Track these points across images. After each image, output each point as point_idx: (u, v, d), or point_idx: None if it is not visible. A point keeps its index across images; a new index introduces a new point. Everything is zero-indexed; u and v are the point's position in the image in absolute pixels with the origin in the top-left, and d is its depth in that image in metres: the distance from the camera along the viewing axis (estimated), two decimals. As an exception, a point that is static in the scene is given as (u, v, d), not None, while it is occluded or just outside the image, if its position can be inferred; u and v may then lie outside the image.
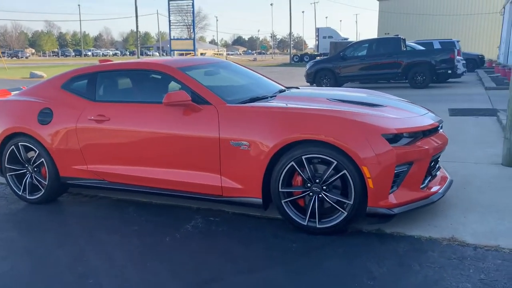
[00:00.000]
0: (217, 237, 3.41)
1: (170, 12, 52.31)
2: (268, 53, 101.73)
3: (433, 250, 3.04)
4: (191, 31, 61.08)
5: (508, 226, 3.34)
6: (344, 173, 3.19)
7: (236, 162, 3.47)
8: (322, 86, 15.58)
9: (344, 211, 3.25)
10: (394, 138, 3.21)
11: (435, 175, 3.73)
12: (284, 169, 3.33)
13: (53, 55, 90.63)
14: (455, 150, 5.70)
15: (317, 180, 3.30)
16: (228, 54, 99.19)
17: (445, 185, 3.63)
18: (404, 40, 15.66)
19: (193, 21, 52.54)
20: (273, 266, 2.92)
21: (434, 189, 3.51)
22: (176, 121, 3.65)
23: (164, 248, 3.26)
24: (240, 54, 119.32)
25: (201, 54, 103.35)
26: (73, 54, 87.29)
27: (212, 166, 3.57)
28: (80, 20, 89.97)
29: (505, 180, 4.40)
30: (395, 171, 3.19)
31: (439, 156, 3.75)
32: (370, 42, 15.84)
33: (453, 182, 4.33)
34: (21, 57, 75.19)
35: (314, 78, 15.85)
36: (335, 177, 3.24)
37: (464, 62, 17.41)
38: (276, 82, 4.88)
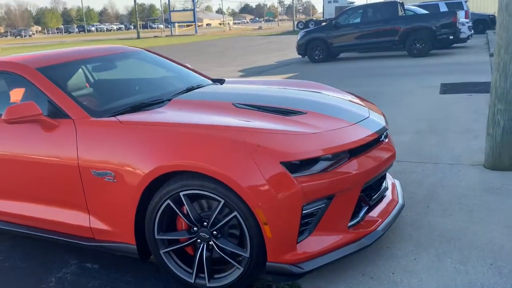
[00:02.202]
0: (79, 299, 2.57)
1: (171, -17, 50.75)
2: (275, 20, 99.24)
3: (355, 325, 2.15)
4: (195, 1, 59.45)
5: (470, 277, 2.42)
6: (236, 216, 2.29)
7: (102, 198, 2.59)
8: (314, 58, 14.44)
9: (240, 267, 2.36)
10: (301, 164, 2.27)
11: (379, 201, 2.79)
12: (159, 209, 2.43)
13: (57, 32, 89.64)
14: (431, 143, 4.72)
15: (205, 223, 2.40)
16: (234, 23, 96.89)
17: (388, 217, 2.68)
18: (402, 4, 14.32)
19: (193, -10, 50.96)
20: None
21: (372, 225, 2.57)
22: (29, 141, 2.76)
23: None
24: (247, 22, 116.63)
25: (207, 24, 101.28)
26: (77, 30, 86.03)
27: (76, 201, 2.69)
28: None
29: (481, 193, 3.43)
30: (305, 212, 2.27)
31: (383, 176, 2.81)
32: (365, 7, 14.57)
33: (415, 198, 3.44)
34: (24, 36, 74.42)
35: (306, 50, 14.68)
36: (226, 221, 2.34)
37: (470, 25, 16.02)
38: (199, 73, 3.92)
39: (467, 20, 16.28)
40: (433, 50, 13.55)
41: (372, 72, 10.85)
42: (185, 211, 2.42)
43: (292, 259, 2.28)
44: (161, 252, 2.51)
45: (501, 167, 3.80)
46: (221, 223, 2.35)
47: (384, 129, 2.78)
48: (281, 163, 2.22)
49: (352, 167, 2.42)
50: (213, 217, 2.35)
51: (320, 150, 2.33)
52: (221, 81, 3.78)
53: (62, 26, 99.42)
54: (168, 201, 2.39)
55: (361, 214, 2.59)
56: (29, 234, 2.99)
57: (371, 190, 2.72)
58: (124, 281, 2.70)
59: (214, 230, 2.39)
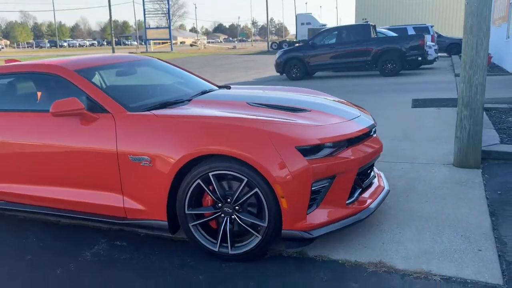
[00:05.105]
0: (116, 268, 2.96)
1: (145, 0, 51.20)
2: (249, 40, 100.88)
3: (356, 279, 2.65)
4: (170, 19, 60.02)
5: (444, 245, 2.96)
6: (256, 192, 2.76)
7: (137, 180, 3.01)
8: (292, 76, 15.16)
9: (258, 235, 2.83)
10: (310, 149, 2.79)
11: (368, 186, 3.33)
12: (190, 188, 2.88)
13: (27, 47, 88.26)
14: (407, 148, 5.33)
15: (229, 200, 2.87)
16: (208, 42, 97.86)
17: (377, 198, 3.22)
18: (374, 26, 15.28)
19: (168, 9, 51.65)
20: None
21: (365, 203, 3.10)
22: (69, 132, 3.17)
23: (53, 285, 2.80)
24: (221, 42, 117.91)
25: (181, 42, 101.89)
26: (48, 45, 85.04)
27: (112, 184, 3.10)
28: (54, 10, 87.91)
29: (452, 185, 4.03)
30: (313, 188, 2.78)
31: (372, 165, 3.35)
32: (339, 29, 15.43)
33: (396, 189, 3.98)
34: (-7, 50, 72.96)
35: (284, 68, 15.38)
36: (248, 196, 2.81)
37: (436, 48, 17.15)
38: (206, 81, 4.41)
39: (433, 44, 17.44)
40: (402, 70, 14.50)
41: (347, 89, 11.57)
42: (211, 189, 2.88)
43: (303, 227, 2.77)
44: (190, 225, 2.95)
45: (468, 165, 4.42)
46: (243, 199, 2.82)
47: (373, 126, 3.34)
48: (295, 147, 2.73)
49: (350, 153, 2.95)
50: (237, 193, 2.81)
51: (324, 139, 2.86)
52: (227, 87, 4.28)
53: (33, 40, 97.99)
54: (199, 180, 2.85)
55: (355, 195, 3.12)
56: (67, 217, 3.36)
57: (363, 176, 3.25)
58: (155, 253, 3.11)
59: (237, 205, 2.85)
